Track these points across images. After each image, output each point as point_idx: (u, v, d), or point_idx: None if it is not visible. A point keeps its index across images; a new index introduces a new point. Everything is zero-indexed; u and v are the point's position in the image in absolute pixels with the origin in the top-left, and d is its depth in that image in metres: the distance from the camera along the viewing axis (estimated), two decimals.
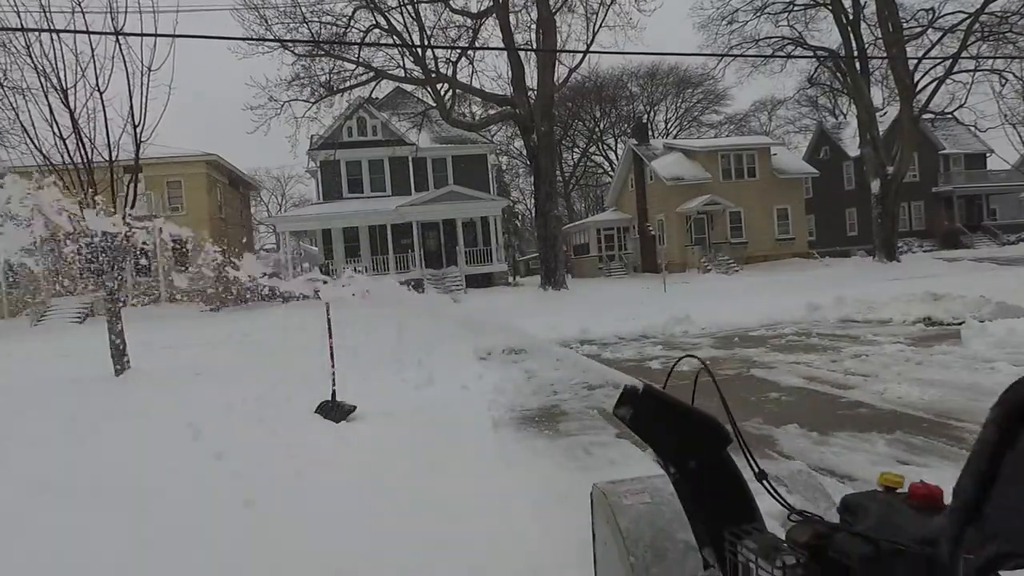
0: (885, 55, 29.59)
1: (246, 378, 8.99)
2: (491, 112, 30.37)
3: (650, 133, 40.23)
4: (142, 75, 9.84)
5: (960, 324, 8.85)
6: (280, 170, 56.65)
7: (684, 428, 1.48)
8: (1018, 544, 0.87)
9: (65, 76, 9.62)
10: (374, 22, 26.72)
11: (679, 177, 32.23)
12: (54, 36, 9.53)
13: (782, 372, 7.20)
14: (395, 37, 26.83)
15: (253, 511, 3.87)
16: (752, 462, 1.47)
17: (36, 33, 9.48)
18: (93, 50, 9.71)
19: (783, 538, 1.28)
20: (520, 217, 54.30)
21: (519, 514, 3.47)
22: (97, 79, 9.75)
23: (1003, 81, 30.49)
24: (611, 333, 12.02)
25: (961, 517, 0.92)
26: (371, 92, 29.20)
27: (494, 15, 26.43)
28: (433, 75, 27.15)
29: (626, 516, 1.81)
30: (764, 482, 1.45)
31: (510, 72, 26.82)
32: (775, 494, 1.41)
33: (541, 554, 2.93)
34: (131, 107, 9.91)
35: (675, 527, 1.75)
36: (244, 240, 37.75)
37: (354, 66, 27.05)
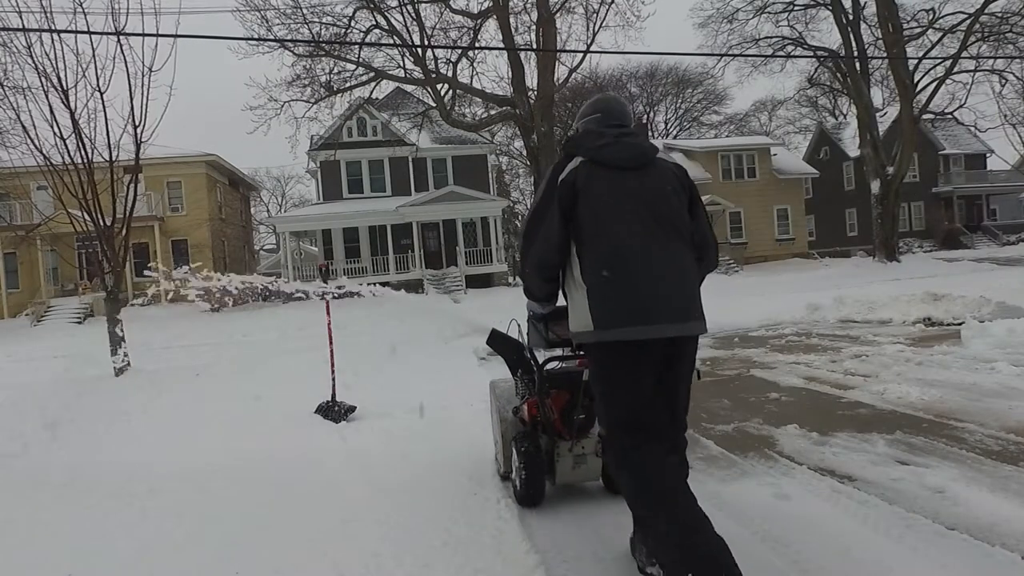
0: (885, 55, 29.55)
1: (246, 378, 9.00)
2: (491, 112, 30.32)
3: (650, 133, 40.23)
4: (143, 76, 9.84)
5: (960, 324, 8.84)
6: (280, 170, 56.71)
7: (507, 344, 3.79)
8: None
9: (66, 76, 9.61)
10: (374, 22, 26.68)
11: None
12: (55, 36, 9.52)
13: (782, 372, 7.19)
14: (395, 37, 26.79)
15: (252, 512, 3.88)
16: (525, 346, 3.65)
17: (37, 33, 9.48)
18: (94, 50, 9.71)
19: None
20: (520, 217, 54.31)
21: (521, 515, 3.48)
22: (98, 79, 9.74)
23: (1003, 81, 30.45)
24: None
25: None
26: (371, 92, 29.12)
27: (494, 16, 26.40)
28: (433, 75, 27.12)
29: (499, 388, 4.13)
30: (526, 352, 3.64)
31: (510, 72, 26.78)
32: (534, 359, 3.55)
33: (542, 553, 2.94)
34: (132, 108, 9.91)
35: None
36: (244, 242, 37.79)
37: (354, 66, 26.99)
